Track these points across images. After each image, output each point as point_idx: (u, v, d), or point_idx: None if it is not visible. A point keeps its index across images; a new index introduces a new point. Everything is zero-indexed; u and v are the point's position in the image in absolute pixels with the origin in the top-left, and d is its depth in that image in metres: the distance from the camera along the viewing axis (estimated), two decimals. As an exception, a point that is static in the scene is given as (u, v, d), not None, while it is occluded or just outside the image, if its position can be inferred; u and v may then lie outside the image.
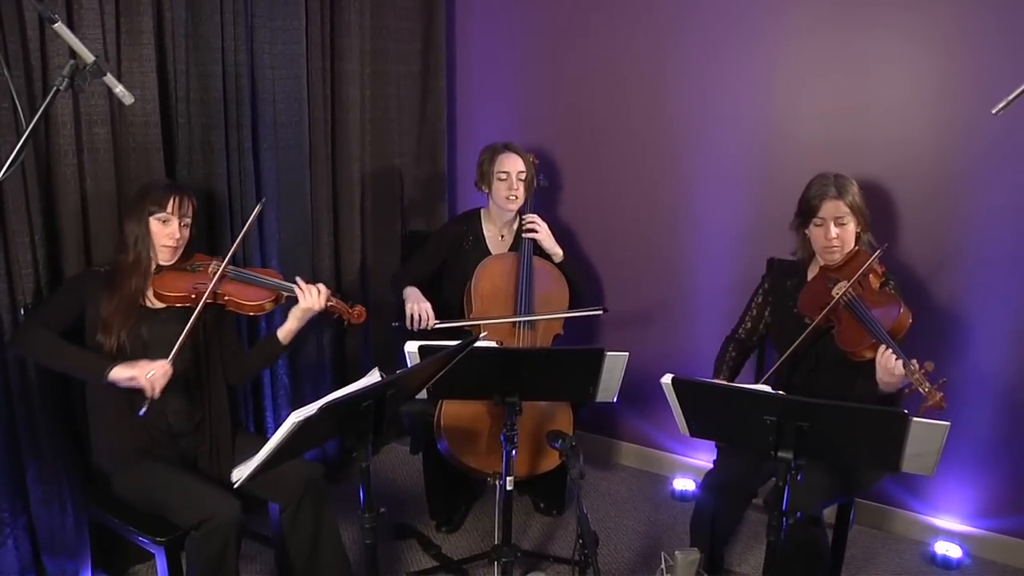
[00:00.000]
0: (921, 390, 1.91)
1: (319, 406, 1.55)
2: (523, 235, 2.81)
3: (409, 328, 2.66)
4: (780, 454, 1.79)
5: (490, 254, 2.85)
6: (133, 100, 1.65)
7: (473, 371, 2.15)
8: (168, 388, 2.02)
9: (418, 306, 2.67)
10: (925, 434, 1.66)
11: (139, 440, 2.12)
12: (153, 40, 2.37)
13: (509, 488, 2.30)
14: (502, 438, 2.24)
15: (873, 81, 2.68)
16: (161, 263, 2.16)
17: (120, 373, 1.98)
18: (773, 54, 2.83)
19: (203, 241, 2.62)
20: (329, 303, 2.23)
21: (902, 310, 2.12)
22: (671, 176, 3.09)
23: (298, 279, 2.25)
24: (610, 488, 3.21)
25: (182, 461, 2.19)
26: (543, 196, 3.33)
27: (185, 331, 2.04)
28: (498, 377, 2.19)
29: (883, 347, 2.04)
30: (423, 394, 2.16)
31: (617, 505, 3.09)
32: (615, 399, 2.29)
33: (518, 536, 2.83)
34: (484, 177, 2.83)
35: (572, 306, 2.81)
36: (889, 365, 2.00)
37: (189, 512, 1.99)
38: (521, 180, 2.78)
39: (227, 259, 2.18)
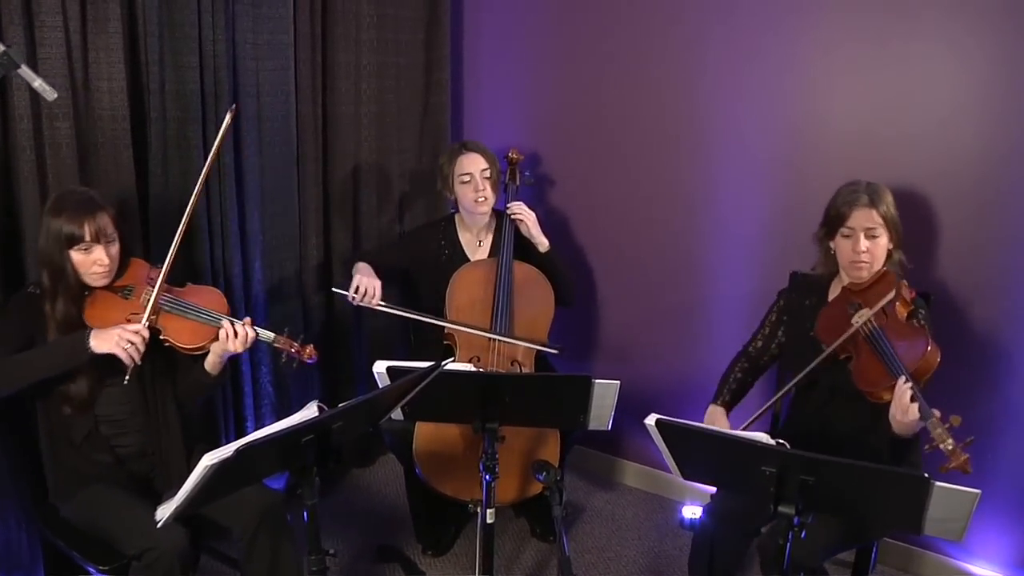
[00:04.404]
0: (943, 448, 1.65)
1: (235, 448, 1.37)
2: (509, 218, 2.63)
3: (351, 301, 2.47)
4: (781, 509, 1.57)
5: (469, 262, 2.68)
6: (56, 95, 1.49)
7: (451, 394, 1.99)
8: (114, 422, 1.98)
9: (367, 279, 2.48)
10: (950, 501, 1.41)
11: (87, 467, 2.00)
12: (122, 28, 2.22)
13: (490, 521, 2.13)
14: (481, 467, 2.06)
15: (913, 80, 2.41)
16: (94, 286, 1.97)
17: (98, 346, 1.87)
18: (806, 51, 2.56)
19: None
20: (277, 343, 2.06)
21: (929, 347, 1.85)
22: (693, 180, 2.84)
23: (224, 320, 2.01)
24: (613, 511, 3.00)
25: (133, 483, 2.05)
26: (550, 194, 3.13)
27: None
28: (478, 402, 2.00)
29: (901, 380, 1.79)
30: (399, 414, 1.99)
31: (619, 532, 2.88)
32: (609, 426, 2.09)
33: (509, 563, 2.66)
34: (446, 181, 2.66)
35: (559, 303, 2.64)
36: (904, 402, 1.75)
37: (132, 541, 1.86)
38: (487, 178, 2.59)
39: (157, 287, 1.97)
